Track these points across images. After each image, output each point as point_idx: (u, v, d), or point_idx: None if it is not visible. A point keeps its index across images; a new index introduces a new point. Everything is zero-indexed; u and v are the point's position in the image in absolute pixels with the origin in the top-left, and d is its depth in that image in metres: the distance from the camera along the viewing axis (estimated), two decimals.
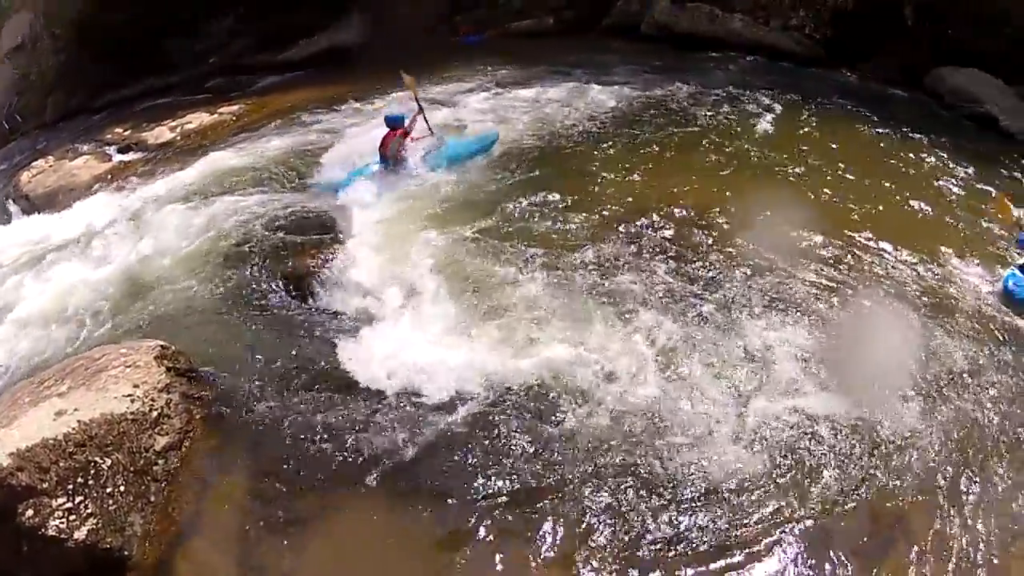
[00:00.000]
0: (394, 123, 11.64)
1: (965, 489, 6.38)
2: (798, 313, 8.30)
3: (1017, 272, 8.89)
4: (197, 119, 15.57)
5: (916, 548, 5.90)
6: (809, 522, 6.09)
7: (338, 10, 19.68)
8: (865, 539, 6.01)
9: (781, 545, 5.93)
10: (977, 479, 6.47)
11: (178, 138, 14.95)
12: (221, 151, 13.45)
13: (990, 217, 10.12)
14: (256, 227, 10.23)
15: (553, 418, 7.02)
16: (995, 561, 5.84)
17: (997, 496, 6.35)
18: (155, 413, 6.56)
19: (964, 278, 9.08)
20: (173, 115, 15.80)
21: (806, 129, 13.22)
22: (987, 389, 7.43)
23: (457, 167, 11.71)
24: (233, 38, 19.00)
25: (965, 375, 7.57)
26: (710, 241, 9.54)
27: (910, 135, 13.12)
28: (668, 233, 9.70)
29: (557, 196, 10.55)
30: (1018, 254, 9.23)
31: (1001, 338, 8.13)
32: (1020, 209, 10.10)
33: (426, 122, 12.05)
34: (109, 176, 13.60)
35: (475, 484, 6.43)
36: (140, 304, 9.02)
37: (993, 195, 10.75)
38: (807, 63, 17.11)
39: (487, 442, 6.79)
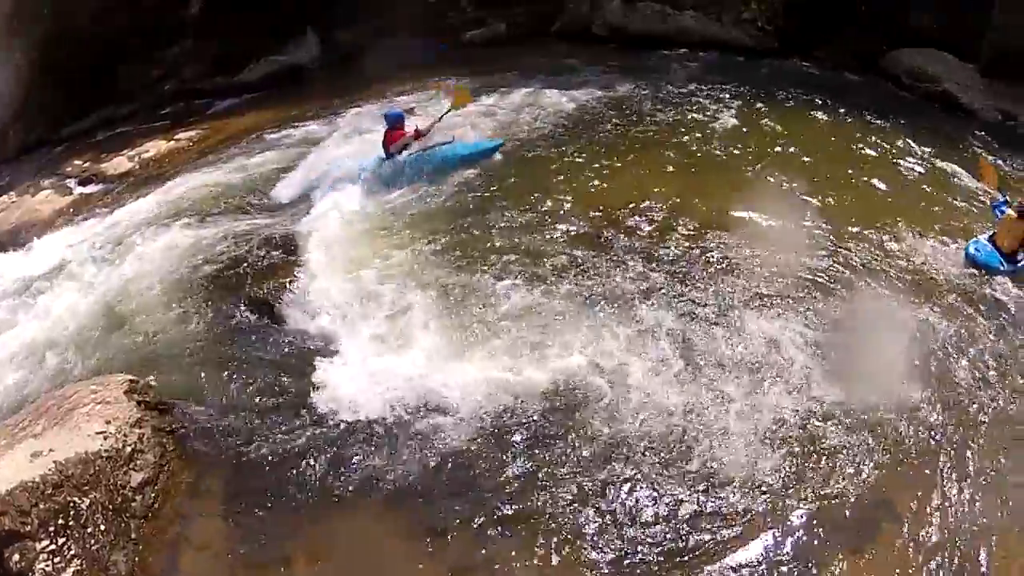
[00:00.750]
0: (394, 121, 11.64)
1: (956, 469, 6.49)
2: (778, 303, 8.40)
3: (981, 239, 9.16)
4: (155, 147, 15.48)
5: (912, 532, 5.99)
6: (811, 512, 6.15)
7: (292, 30, 19.58)
8: (864, 527, 6.06)
9: (791, 539, 5.99)
10: (965, 457, 6.59)
11: (137, 167, 14.85)
12: (181, 177, 13.34)
13: (983, 178, 10.23)
14: (223, 252, 10.16)
15: (550, 427, 7.00)
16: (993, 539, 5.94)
17: (983, 470, 6.49)
18: (129, 449, 6.50)
19: (931, 252, 9.30)
20: (131, 144, 15.70)
21: (766, 121, 13.30)
22: (963, 358, 7.65)
23: (444, 172, 11.56)
24: (187, 62, 18.86)
25: (945, 346, 7.79)
26: (684, 239, 9.57)
27: (869, 119, 13.29)
28: (642, 233, 9.71)
29: (527, 202, 10.53)
30: (987, 229, 9.36)
31: (972, 306, 8.41)
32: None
33: (421, 134, 11.72)
34: (71, 210, 13.52)
35: (468, 504, 6.35)
36: (108, 338, 8.94)
37: (979, 162, 10.96)
38: (762, 55, 17.18)
39: (479, 460, 6.72)
